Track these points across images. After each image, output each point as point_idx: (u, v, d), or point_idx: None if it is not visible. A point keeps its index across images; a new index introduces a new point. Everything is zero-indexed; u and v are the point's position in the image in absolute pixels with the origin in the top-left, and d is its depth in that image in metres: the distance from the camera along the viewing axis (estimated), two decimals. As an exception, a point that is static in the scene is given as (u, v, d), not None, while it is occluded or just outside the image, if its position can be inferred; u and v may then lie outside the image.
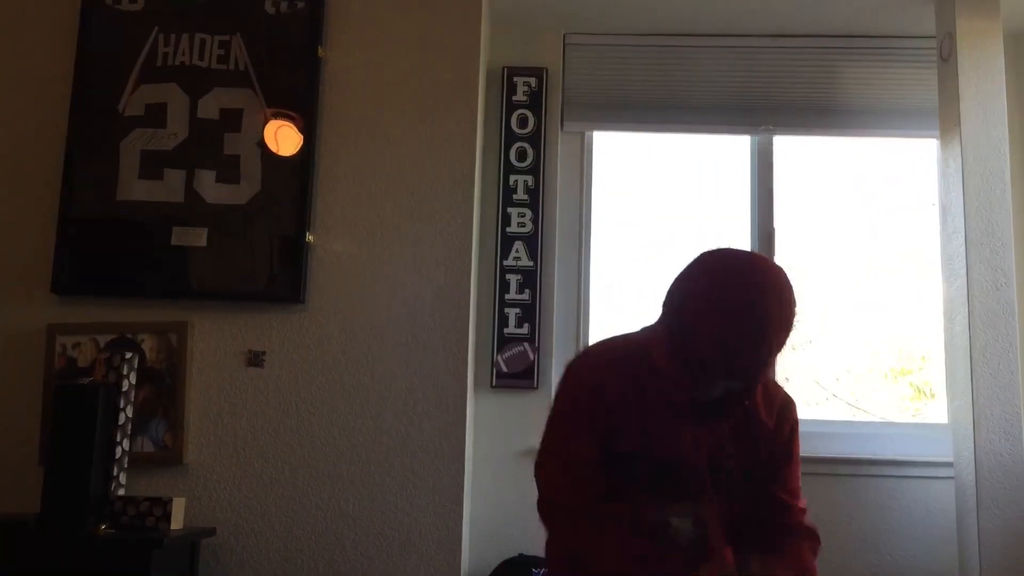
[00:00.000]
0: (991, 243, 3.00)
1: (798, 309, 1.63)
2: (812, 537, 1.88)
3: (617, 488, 1.78)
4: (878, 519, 3.19)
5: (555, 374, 3.34)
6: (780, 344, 1.61)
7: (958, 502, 2.99)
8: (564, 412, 1.86)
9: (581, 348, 1.67)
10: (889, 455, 3.26)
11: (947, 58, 3.17)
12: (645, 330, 1.85)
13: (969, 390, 2.95)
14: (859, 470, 3.22)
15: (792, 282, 1.65)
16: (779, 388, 1.93)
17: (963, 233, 3.03)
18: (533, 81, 3.46)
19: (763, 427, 1.85)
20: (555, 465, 1.85)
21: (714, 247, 1.70)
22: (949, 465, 3.07)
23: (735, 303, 1.56)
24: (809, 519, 1.91)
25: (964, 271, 3.01)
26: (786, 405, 1.90)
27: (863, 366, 4.05)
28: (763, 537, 1.84)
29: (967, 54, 3.11)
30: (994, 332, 2.95)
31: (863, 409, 3.62)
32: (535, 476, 1.89)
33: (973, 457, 2.90)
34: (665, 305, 1.72)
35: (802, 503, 1.92)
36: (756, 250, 3.47)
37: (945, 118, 3.19)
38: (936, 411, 3.47)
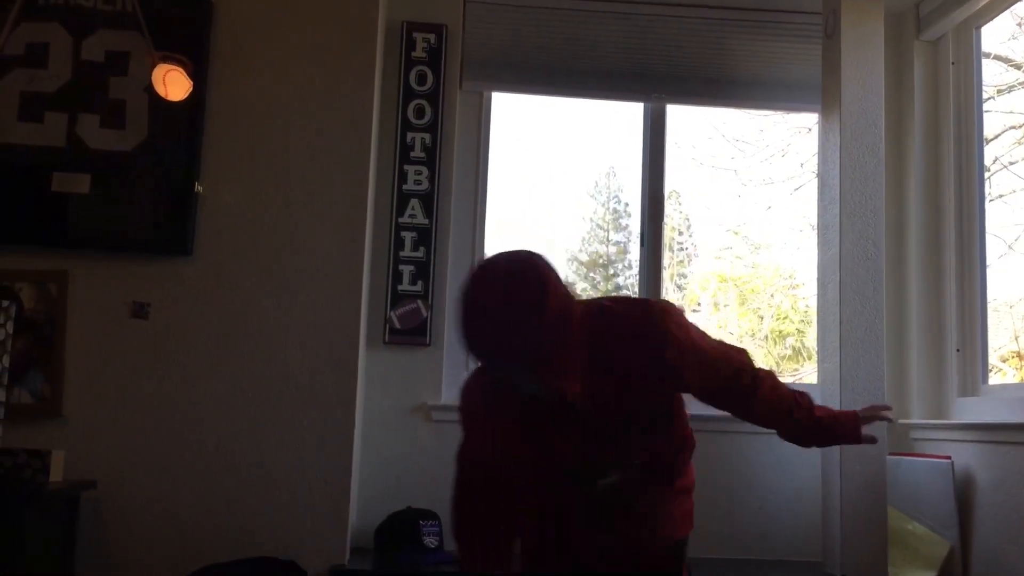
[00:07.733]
0: (864, 215, 3.16)
1: (538, 295, 1.71)
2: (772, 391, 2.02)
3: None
4: (750, 472, 3.36)
5: (448, 331, 3.37)
6: (519, 327, 1.70)
7: (823, 457, 3.17)
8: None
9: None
10: (763, 413, 3.41)
11: (831, 35, 3.30)
12: None
13: (838, 353, 3.11)
14: (735, 426, 3.34)
15: (536, 272, 1.76)
16: (633, 328, 1.89)
17: (838, 204, 3.18)
18: (432, 38, 3.44)
19: (617, 375, 1.87)
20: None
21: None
22: (817, 423, 3.24)
23: (463, 295, 1.76)
24: (765, 382, 2.00)
25: (838, 240, 3.16)
26: (645, 340, 1.87)
27: (743, 329, 4.21)
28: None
29: (850, 32, 3.23)
30: (862, 299, 3.12)
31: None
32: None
33: (839, 416, 3.06)
34: None
35: (748, 375, 1.99)
36: (645, 214, 3.57)
37: (827, 93, 3.32)
38: (812, 372, 3.66)
